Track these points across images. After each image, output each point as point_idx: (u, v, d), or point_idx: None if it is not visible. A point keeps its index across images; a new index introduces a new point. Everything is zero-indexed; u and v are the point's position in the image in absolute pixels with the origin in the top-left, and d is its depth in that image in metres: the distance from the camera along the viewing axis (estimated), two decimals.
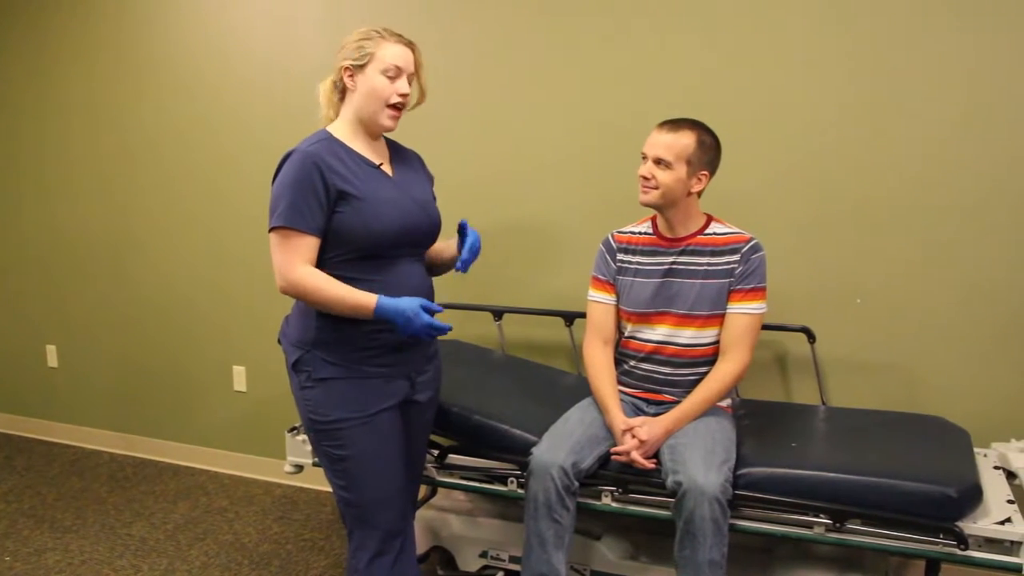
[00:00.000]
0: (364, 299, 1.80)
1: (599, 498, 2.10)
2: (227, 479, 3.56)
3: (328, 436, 1.90)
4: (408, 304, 1.78)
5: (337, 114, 1.94)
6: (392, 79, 1.85)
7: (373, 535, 1.95)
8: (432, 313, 1.81)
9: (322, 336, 1.87)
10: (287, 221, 1.78)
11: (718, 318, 2.16)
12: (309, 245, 1.81)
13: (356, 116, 1.90)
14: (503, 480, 2.21)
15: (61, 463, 3.77)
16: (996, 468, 2.17)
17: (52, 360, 3.99)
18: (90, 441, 3.96)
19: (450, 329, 1.82)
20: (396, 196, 1.90)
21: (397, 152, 2.04)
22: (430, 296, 2.01)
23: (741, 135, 2.53)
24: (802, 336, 2.51)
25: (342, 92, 1.91)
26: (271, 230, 1.82)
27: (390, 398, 1.93)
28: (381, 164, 1.93)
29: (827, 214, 2.52)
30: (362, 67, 1.85)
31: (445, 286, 2.95)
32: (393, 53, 1.85)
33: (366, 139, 1.92)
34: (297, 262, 1.79)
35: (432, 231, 2.00)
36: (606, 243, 2.31)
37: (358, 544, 1.97)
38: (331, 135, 1.89)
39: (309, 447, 2.34)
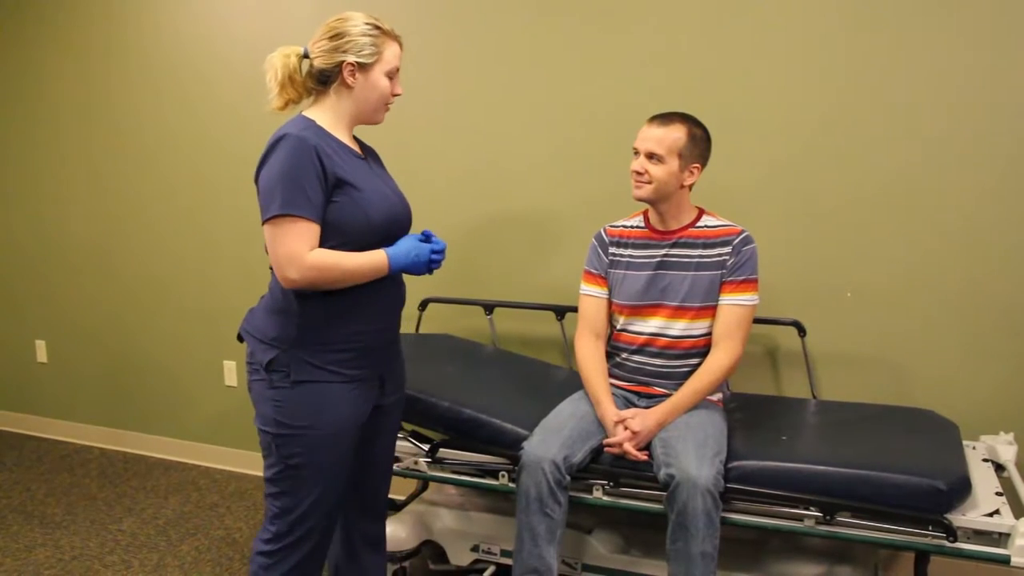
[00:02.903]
0: (377, 259, 1.77)
1: (590, 492, 2.11)
2: (218, 474, 3.55)
3: (292, 442, 1.79)
4: (410, 244, 1.81)
5: (300, 98, 1.84)
6: (391, 79, 1.83)
7: (296, 537, 1.84)
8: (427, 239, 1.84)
9: (306, 335, 1.78)
10: (291, 208, 1.67)
11: (710, 310, 2.16)
12: (314, 232, 1.71)
13: (348, 111, 1.83)
14: (494, 474, 2.21)
15: (51, 459, 3.75)
16: (985, 460, 2.19)
17: (42, 355, 3.97)
18: (80, 436, 3.95)
19: (445, 245, 1.86)
20: (381, 187, 1.86)
21: (363, 145, 1.96)
22: (402, 290, 1.94)
23: (733, 129, 2.53)
24: (792, 330, 2.51)
25: (323, 81, 1.81)
26: (269, 220, 1.70)
27: (364, 404, 1.87)
28: (365, 156, 1.89)
29: (818, 208, 2.52)
30: (368, 66, 1.79)
31: (436, 280, 2.96)
32: (395, 54, 1.83)
33: (346, 130, 1.86)
34: (306, 249, 1.69)
35: (409, 222, 1.94)
36: (598, 237, 2.32)
37: (274, 536, 1.85)
38: (315, 122, 1.79)
39: None
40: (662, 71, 2.64)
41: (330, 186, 1.73)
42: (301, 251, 1.69)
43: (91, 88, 3.57)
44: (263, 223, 1.72)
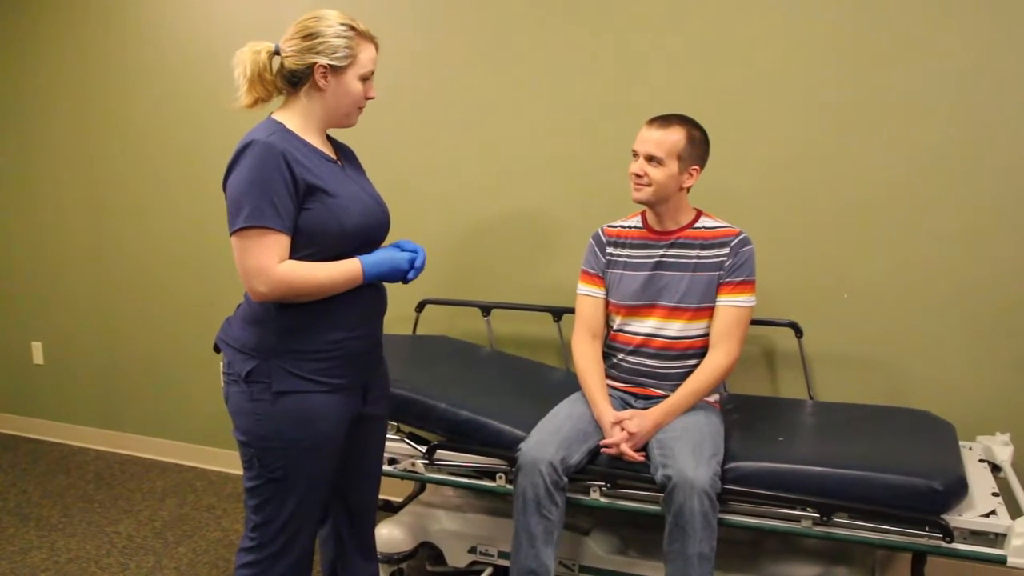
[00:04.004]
0: (351, 269, 1.71)
1: (587, 493, 2.11)
2: (214, 476, 3.55)
3: (274, 455, 1.74)
4: (388, 253, 1.77)
5: (269, 96, 1.78)
6: (365, 82, 1.76)
7: (279, 547, 1.82)
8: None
9: (286, 344, 1.72)
10: (258, 220, 1.62)
11: (707, 311, 2.17)
12: (283, 244, 1.65)
13: (318, 113, 1.76)
14: (492, 476, 2.20)
15: (47, 461, 3.74)
16: (981, 461, 2.19)
17: (38, 357, 3.96)
18: (76, 438, 3.94)
19: (425, 255, 1.83)
20: (357, 191, 1.79)
21: (338, 146, 1.90)
22: (383, 296, 1.90)
23: (731, 131, 2.53)
24: (789, 331, 2.52)
25: (294, 82, 1.75)
26: (236, 231, 1.64)
27: (347, 413, 1.82)
28: (337, 159, 1.82)
29: (815, 210, 2.53)
30: (342, 69, 1.72)
31: (433, 282, 2.96)
32: (371, 57, 1.76)
33: (318, 133, 1.79)
34: (275, 262, 1.64)
35: (388, 226, 1.88)
36: (596, 237, 2.32)
37: (257, 546, 1.82)
38: (284, 126, 1.73)
39: None
40: (660, 72, 2.65)
41: (300, 194, 1.66)
42: (269, 264, 1.64)
43: (87, 90, 3.57)
44: (231, 235, 1.66)
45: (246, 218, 1.63)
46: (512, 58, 2.83)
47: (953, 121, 2.36)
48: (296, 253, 1.69)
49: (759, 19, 2.51)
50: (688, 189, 2.19)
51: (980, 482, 2.02)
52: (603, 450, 2.09)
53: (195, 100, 3.36)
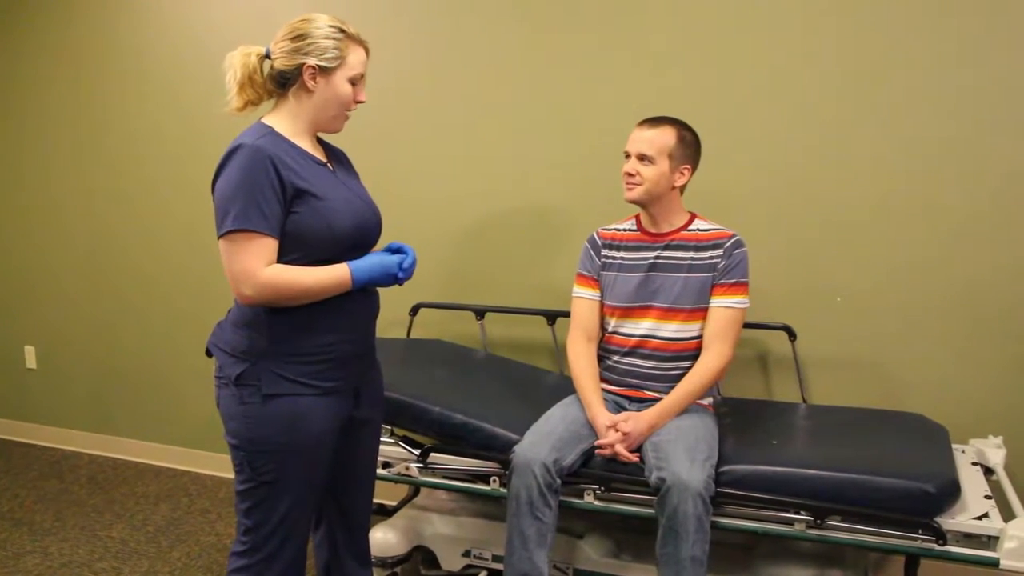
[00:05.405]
0: (339, 274, 1.71)
1: (581, 496, 2.11)
2: (209, 480, 3.54)
3: (265, 458, 1.74)
4: (378, 258, 1.77)
5: (260, 99, 1.79)
6: (354, 85, 1.77)
7: (271, 550, 1.81)
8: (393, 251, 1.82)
9: (278, 348, 1.72)
10: (244, 223, 1.62)
11: (702, 312, 2.18)
12: (270, 247, 1.65)
13: (307, 116, 1.76)
14: (485, 479, 2.21)
15: (40, 465, 3.73)
16: (974, 464, 2.20)
17: (30, 361, 3.95)
18: (69, 443, 3.93)
19: (415, 256, 1.82)
20: (347, 195, 1.79)
21: (329, 149, 1.90)
22: (375, 299, 1.89)
23: (726, 134, 2.54)
24: (783, 334, 2.52)
25: (283, 83, 1.76)
26: (223, 235, 1.65)
27: (338, 417, 1.82)
28: (328, 162, 1.82)
29: (809, 213, 2.53)
30: (330, 71, 1.72)
31: (427, 285, 2.96)
32: (360, 60, 1.76)
33: (307, 136, 1.79)
34: (261, 265, 1.64)
35: (380, 229, 1.87)
36: (591, 240, 2.33)
37: (249, 550, 1.81)
38: (273, 129, 1.73)
39: None
40: (656, 77, 2.65)
41: (288, 197, 1.67)
42: (255, 268, 1.64)
43: (81, 93, 3.56)
44: (218, 238, 1.67)
45: (233, 221, 1.64)
46: (507, 60, 2.84)
47: (949, 123, 2.37)
48: (285, 256, 1.69)
49: (758, 21, 2.52)
50: (681, 190, 2.20)
51: (973, 485, 2.03)
52: (597, 451, 2.09)
53: (191, 103, 3.36)
